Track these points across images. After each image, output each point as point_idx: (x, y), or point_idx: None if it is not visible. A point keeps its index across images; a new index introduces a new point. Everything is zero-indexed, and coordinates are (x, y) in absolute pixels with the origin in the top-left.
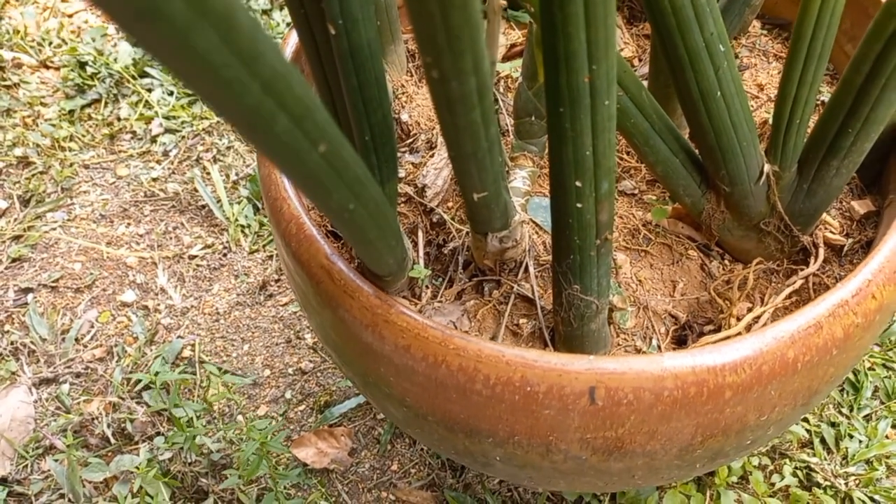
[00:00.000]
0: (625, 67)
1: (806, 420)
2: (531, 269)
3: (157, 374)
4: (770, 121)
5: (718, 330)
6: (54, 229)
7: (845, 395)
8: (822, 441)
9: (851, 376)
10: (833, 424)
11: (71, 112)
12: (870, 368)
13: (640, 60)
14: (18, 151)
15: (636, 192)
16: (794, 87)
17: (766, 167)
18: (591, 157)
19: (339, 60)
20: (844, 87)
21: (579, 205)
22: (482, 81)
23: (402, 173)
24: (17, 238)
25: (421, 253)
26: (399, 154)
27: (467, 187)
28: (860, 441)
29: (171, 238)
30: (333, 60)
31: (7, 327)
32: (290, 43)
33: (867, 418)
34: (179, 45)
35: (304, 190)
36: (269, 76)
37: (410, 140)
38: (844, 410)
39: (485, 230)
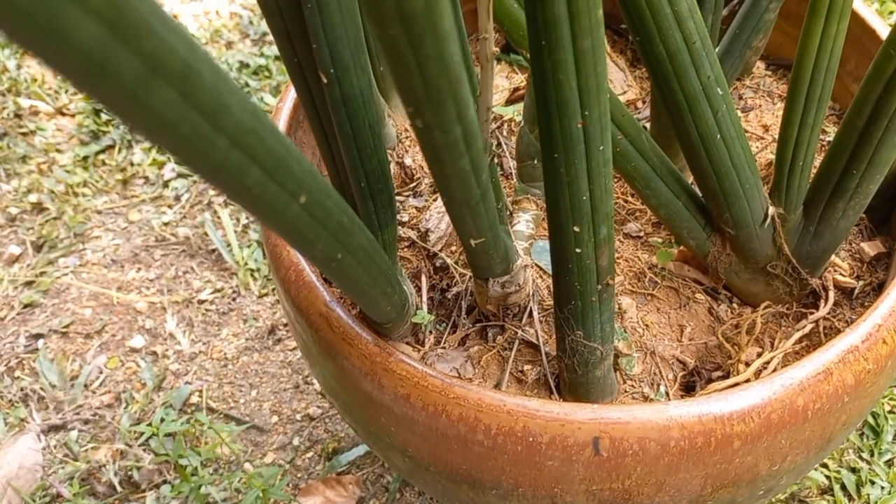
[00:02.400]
0: (623, 111)
1: (825, 466)
2: (535, 314)
3: (161, 420)
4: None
5: (727, 376)
6: (66, 275)
7: (865, 440)
8: (843, 487)
9: (871, 420)
10: (853, 470)
11: (85, 158)
12: (889, 412)
13: (643, 103)
14: (33, 198)
15: (641, 234)
16: (796, 130)
17: (771, 210)
18: (587, 202)
19: (332, 108)
20: (847, 129)
21: (578, 250)
22: (468, 129)
23: (405, 217)
24: (29, 284)
25: (424, 298)
26: (402, 198)
27: (464, 233)
28: (882, 487)
29: (180, 283)
30: (327, 107)
31: (17, 373)
32: (291, 91)
33: (888, 463)
34: (133, 103)
35: (287, 241)
36: (237, 130)
37: (414, 184)
38: (865, 455)
39: (486, 276)
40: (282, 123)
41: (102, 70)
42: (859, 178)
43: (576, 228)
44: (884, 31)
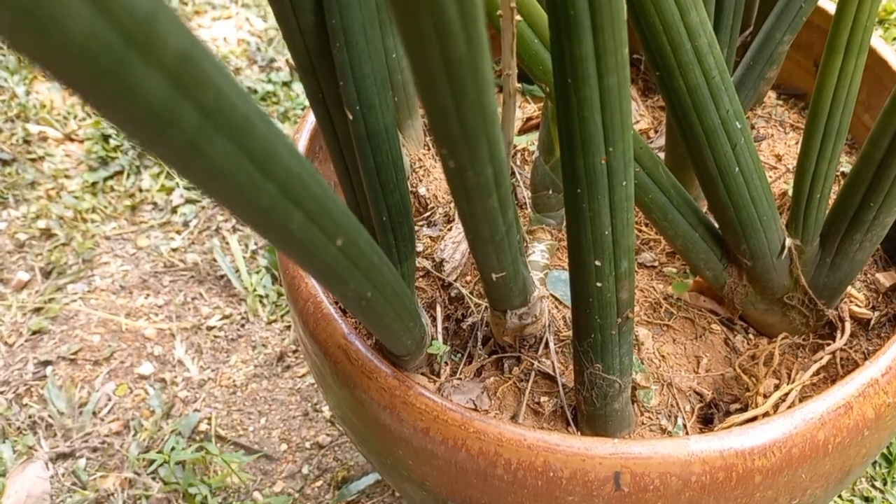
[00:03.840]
0: (641, 144)
1: (839, 495)
2: (552, 344)
3: (172, 450)
4: (790, 192)
5: (745, 408)
6: (74, 301)
7: (878, 469)
8: None
9: (884, 449)
10: (867, 500)
11: (94, 184)
12: None
13: (655, 132)
14: (42, 224)
15: (656, 264)
16: (813, 163)
17: (788, 241)
18: (609, 237)
19: (356, 143)
20: (864, 162)
21: (599, 284)
22: (499, 169)
23: (420, 247)
24: (37, 310)
25: (440, 328)
26: (417, 228)
27: (485, 269)
28: None
29: (189, 309)
30: (350, 141)
31: (26, 400)
32: (308, 122)
33: None
34: (192, 154)
35: (320, 281)
36: (284, 177)
37: (428, 213)
38: (878, 484)
39: (503, 307)
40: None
41: (166, 124)
42: (877, 211)
43: (597, 262)
44: (895, 59)
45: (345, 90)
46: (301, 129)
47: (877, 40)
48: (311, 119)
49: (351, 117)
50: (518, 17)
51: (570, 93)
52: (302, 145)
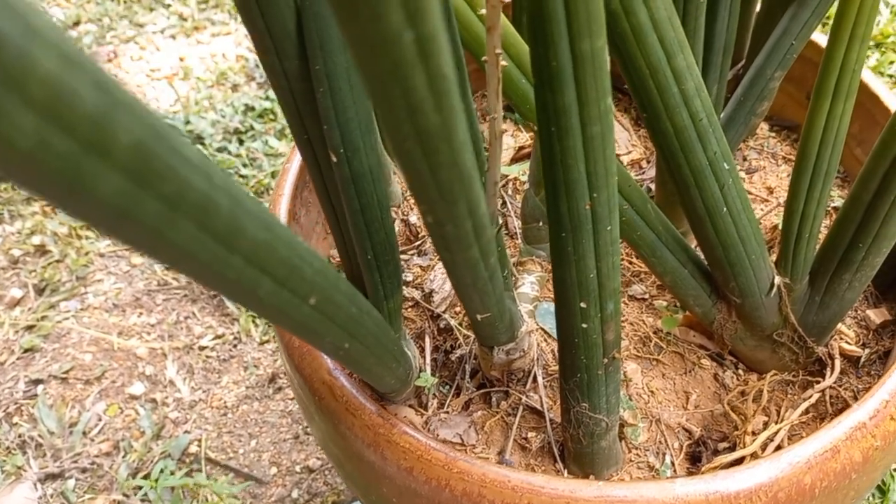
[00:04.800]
0: (629, 181)
1: None
2: (540, 379)
3: (161, 472)
4: (780, 226)
5: (733, 447)
6: (67, 319)
7: (872, 499)
8: None
9: None
10: None
11: None
12: (895, 470)
13: (647, 162)
14: (36, 240)
15: (646, 296)
16: (802, 203)
17: (777, 279)
18: (594, 279)
19: (340, 185)
20: (853, 203)
21: (584, 325)
22: (478, 223)
23: (409, 277)
24: (30, 328)
25: (428, 359)
26: (407, 257)
27: (470, 310)
28: None
29: (181, 328)
30: (335, 180)
31: (16, 419)
32: (296, 158)
33: None
34: (155, 240)
35: (296, 335)
36: (251, 248)
37: (419, 242)
38: None
39: (490, 344)
40: (289, 184)
41: (125, 216)
42: (865, 251)
43: (582, 304)
44: (886, 96)
45: (329, 134)
46: (291, 159)
47: (869, 76)
48: (296, 158)
49: (335, 160)
50: (504, 63)
51: (554, 141)
52: (292, 175)
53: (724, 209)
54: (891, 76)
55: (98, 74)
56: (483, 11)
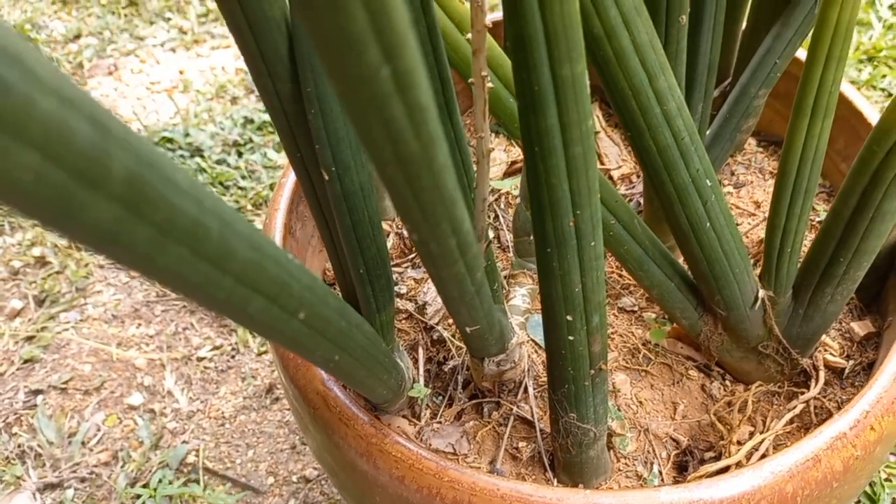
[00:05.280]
0: (617, 198)
1: None
2: (530, 389)
3: (159, 482)
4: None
5: (719, 457)
6: (67, 329)
7: None
8: None
9: (867, 488)
10: None
11: None
12: (886, 479)
13: (637, 177)
14: (36, 251)
15: (636, 308)
16: (783, 219)
17: (761, 293)
18: (580, 293)
19: (333, 202)
20: (834, 218)
21: (571, 337)
22: (462, 240)
23: (403, 289)
24: (30, 339)
25: (421, 370)
26: (401, 269)
27: (459, 322)
28: None
29: (180, 339)
30: (328, 197)
31: (15, 429)
32: (292, 174)
33: None
34: (146, 264)
35: (286, 348)
36: (241, 269)
37: (412, 255)
38: None
39: (481, 356)
40: (284, 198)
41: (116, 240)
42: (846, 265)
43: (569, 317)
44: (869, 112)
45: (321, 153)
46: (287, 175)
47: (853, 93)
48: (291, 175)
49: (327, 177)
50: (490, 84)
51: (538, 161)
52: (287, 190)
53: (708, 224)
54: (883, 90)
55: (94, 110)
56: (469, 35)
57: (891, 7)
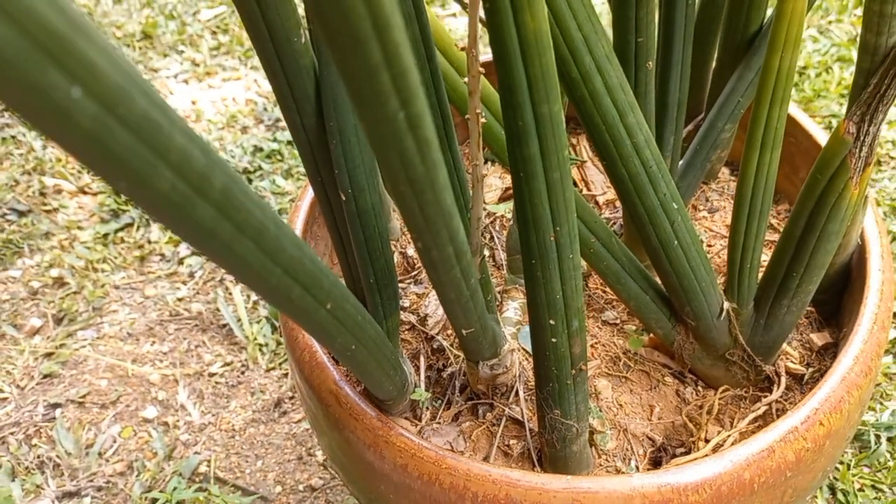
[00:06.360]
0: (596, 219)
1: None
2: (521, 393)
3: (174, 489)
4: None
5: (689, 452)
6: (84, 347)
7: None
8: None
9: (841, 497)
10: None
11: (105, 235)
12: (859, 489)
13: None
14: (55, 272)
15: (618, 321)
16: (742, 238)
17: (726, 305)
18: (561, 300)
19: (347, 219)
20: (787, 238)
21: (554, 339)
22: (458, 248)
23: (406, 303)
24: (49, 355)
25: (422, 377)
26: (404, 285)
27: (456, 325)
28: None
29: (192, 356)
30: (343, 216)
31: (35, 441)
32: (307, 197)
33: None
34: (227, 252)
35: (313, 335)
36: (287, 262)
37: (415, 272)
38: None
39: (476, 359)
40: (300, 219)
41: (213, 234)
42: (799, 280)
43: (551, 321)
44: (819, 135)
45: (339, 177)
46: (303, 197)
47: (813, 127)
48: (308, 194)
49: (344, 198)
50: (483, 119)
51: (523, 184)
52: (304, 212)
53: (676, 242)
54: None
55: (203, 144)
56: (466, 80)
57: None
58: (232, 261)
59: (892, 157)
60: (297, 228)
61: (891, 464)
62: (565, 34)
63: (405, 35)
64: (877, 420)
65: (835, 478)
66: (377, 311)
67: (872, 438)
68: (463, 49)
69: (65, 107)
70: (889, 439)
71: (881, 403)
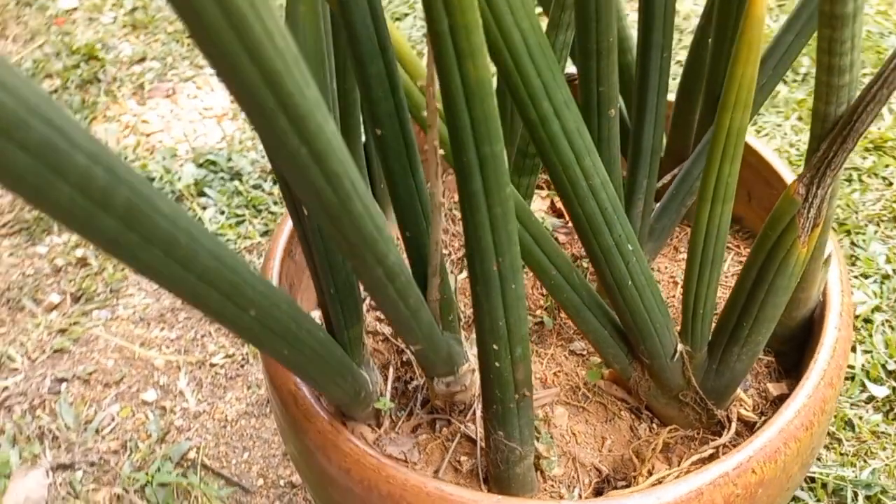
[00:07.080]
0: (558, 252)
1: None
2: (478, 412)
3: (157, 471)
4: None
5: (629, 486)
6: (97, 326)
7: None
8: None
9: None
10: None
11: None
12: None
13: None
14: (79, 252)
15: (584, 352)
16: (695, 285)
17: (680, 346)
18: (504, 326)
19: (310, 232)
20: (738, 289)
21: (497, 364)
22: (388, 270)
23: (381, 315)
24: (62, 331)
25: (389, 387)
26: None
27: (406, 341)
28: None
29: (197, 345)
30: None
31: (38, 412)
32: (287, 226)
33: None
34: (132, 258)
35: (241, 338)
36: (202, 271)
37: None
38: None
39: (430, 374)
40: (287, 226)
41: (116, 241)
42: (749, 330)
43: (495, 346)
44: (783, 170)
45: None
46: (282, 227)
47: (767, 151)
48: (288, 224)
49: (307, 213)
50: (441, 152)
51: (468, 217)
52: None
53: (630, 282)
54: (884, 178)
55: (110, 161)
56: (425, 113)
57: None
58: (140, 266)
59: None
60: (285, 233)
61: None
62: (525, 79)
63: (300, 83)
64: (856, 477)
65: None
66: (338, 321)
67: (850, 495)
68: (421, 88)
69: None
70: (867, 497)
71: (864, 461)
